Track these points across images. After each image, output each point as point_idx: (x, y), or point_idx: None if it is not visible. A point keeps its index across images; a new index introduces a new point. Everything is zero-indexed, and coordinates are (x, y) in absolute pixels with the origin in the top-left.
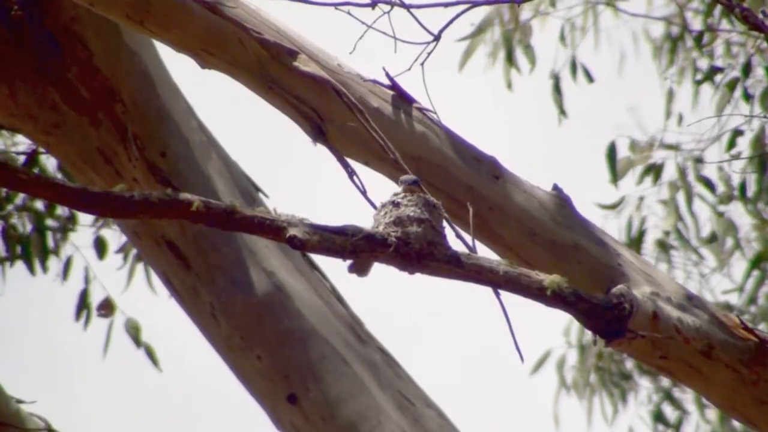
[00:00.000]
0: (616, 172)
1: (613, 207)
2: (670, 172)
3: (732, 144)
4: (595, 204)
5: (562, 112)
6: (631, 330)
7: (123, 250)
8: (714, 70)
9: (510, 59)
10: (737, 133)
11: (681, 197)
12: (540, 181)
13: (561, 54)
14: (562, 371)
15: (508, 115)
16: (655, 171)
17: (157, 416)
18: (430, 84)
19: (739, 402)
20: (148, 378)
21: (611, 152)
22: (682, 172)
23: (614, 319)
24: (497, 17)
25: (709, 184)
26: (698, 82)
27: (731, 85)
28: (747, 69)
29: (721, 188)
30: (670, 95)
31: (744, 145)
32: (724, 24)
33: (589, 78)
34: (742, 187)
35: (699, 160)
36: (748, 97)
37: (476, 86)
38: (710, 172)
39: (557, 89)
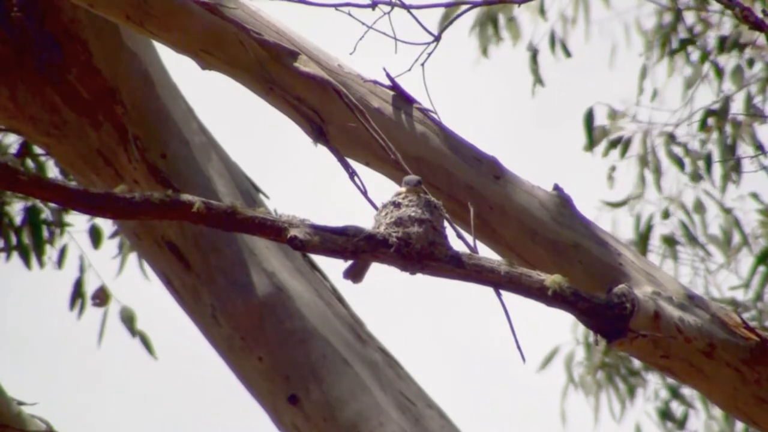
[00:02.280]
0: (592, 138)
1: (619, 205)
2: (639, 147)
3: (704, 123)
4: (603, 202)
5: (539, 81)
6: (632, 330)
7: (117, 234)
8: (686, 42)
9: (495, 30)
10: (710, 112)
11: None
12: (531, 173)
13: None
14: (571, 367)
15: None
16: (623, 145)
17: (156, 409)
18: (427, 80)
19: (740, 401)
20: (147, 371)
21: (588, 118)
22: (651, 147)
23: (615, 319)
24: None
25: (678, 162)
26: (673, 53)
27: (702, 59)
28: (722, 44)
29: (689, 166)
30: (644, 72)
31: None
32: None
33: (567, 53)
34: (708, 161)
35: (671, 137)
36: (719, 72)
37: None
38: (682, 148)
39: (534, 60)
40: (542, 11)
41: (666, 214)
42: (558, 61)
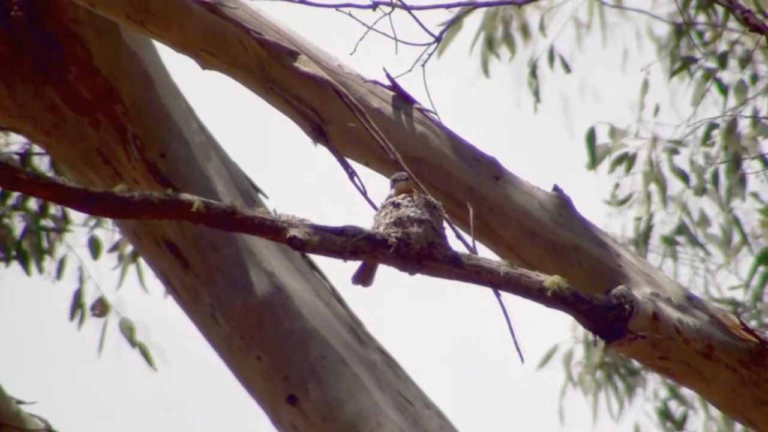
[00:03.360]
0: (594, 157)
1: (622, 203)
2: (643, 163)
3: (707, 137)
4: (603, 201)
5: (538, 99)
6: (631, 331)
7: (117, 248)
8: (688, 61)
9: (490, 47)
10: (713, 126)
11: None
12: (531, 174)
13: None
14: (569, 366)
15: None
16: (628, 161)
17: (157, 409)
18: (431, 85)
19: (739, 403)
20: (148, 377)
21: (591, 137)
22: (656, 163)
23: (614, 320)
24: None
25: (683, 176)
26: (673, 73)
27: (707, 77)
28: (724, 60)
29: (694, 180)
30: (645, 87)
31: (719, 138)
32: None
33: (567, 68)
34: (715, 178)
35: (673, 152)
36: (723, 89)
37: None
38: (685, 163)
39: (534, 75)
40: (542, 27)
41: (674, 236)
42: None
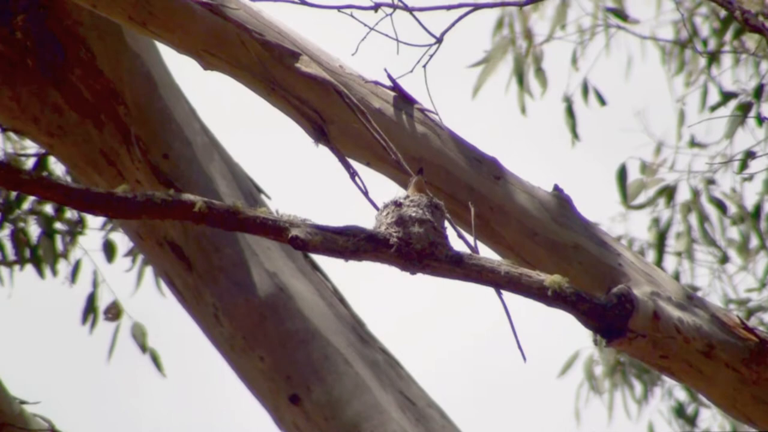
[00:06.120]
0: (626, 194)
1: (642, 207)
2: (681, 194)
3: (744, 165)
4: (624, 205)
5: (575, 135)
6: (631, 330)
7: (131, 253)
8: (728, 96)
9: (521, 84)
10: (749, 154)
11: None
12: (532, 175)
13: (573, 77)
14: (590, 371)
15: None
16: (667, 193)
17: (160, 408)
18: (443, 102)
19: (739, 401)
20: (153, 379)
21: (622, 174)
22: (695, 193)
23: (615, 319)
24: (510, 44)
25: (721, 206)
26: (712, 108)
27: (743, 108)
28: (759, 93)
29: (733, 209)
30: (682, 118)
31: (756, 166)
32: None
33: (601, 101)
34: (757, 210)
35: (711, 182)
36: (760, 120)
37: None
38: (721, 193)
39: (570, 113)
40: (574, 61)
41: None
42: (571, 74)
